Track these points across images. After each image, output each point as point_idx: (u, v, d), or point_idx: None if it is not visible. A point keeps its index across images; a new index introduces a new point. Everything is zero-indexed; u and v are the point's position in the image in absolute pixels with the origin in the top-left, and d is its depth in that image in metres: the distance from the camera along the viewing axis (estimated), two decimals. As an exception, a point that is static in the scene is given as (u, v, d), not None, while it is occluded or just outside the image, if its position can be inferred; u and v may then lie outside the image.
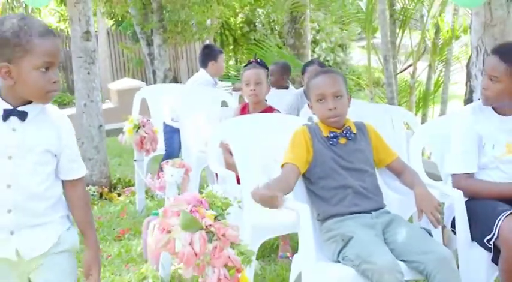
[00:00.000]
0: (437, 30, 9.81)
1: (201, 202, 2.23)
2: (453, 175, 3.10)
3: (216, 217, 2.20)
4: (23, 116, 1.99)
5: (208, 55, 5.76)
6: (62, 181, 2.15)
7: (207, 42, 11.72)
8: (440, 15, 9.73)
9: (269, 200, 2.53)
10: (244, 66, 4.21)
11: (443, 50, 9.95)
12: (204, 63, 5.73)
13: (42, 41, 1.95)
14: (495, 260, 2.77)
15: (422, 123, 6.70)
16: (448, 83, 10.18)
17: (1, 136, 1.98)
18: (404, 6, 9.70)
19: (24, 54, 1.92)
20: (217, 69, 5.78)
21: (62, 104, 12.31)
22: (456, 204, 2.90)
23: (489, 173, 3.04)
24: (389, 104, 7.60)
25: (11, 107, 1.99)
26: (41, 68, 1.95)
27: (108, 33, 14.05)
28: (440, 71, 10.55)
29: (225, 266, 2.12)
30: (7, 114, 1.98)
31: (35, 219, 2.05)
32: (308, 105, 3.07)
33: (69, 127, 2.15)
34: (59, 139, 2.08)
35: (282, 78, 6.06)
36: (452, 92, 9.89)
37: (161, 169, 3.66)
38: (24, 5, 10.07)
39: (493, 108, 3.07)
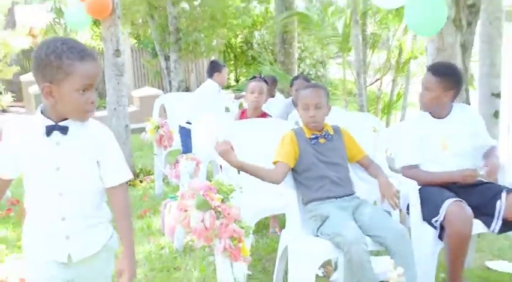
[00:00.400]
0: (400, 51, 9.90)
1: (211, 188, 2.30)
2: (402, 167, 3.19)
3: (222, 200, 2.28)
4: (64, 130, 1.80)
5: (214, 68, 5.79)
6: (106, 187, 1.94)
7: (213, 58, 11.78)
8: (402, 39, 9.82)
9: (224, 151, 2.68)
10: (250, 79, 4.22)
11: (404, 67, 10.05)
12: (210, 74, 5.77)
13: (82, 64, 1.75)
14: (440, 236, 2.83)
15: (386, 127, 6.79)
16: (408, 93, 10.30)
17: (47, 150, 1.81)
18: (374, 31, 9.83)
19: (65, 76, 1.73)
20: (221, 79, 5.81)
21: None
22: (410, 191, 2.96)
23: (430, 165, 3.13)
24: (360, 111, 7.69)
25: (53, 123, 1.81)
26: (80, 90, 1.76)
27: (132, 50, 14.03)
28: (402, 84, 10.65)
29: (230, 237, 2.21)
30: (50, 130, 1.80)
31: (86, 223, 1.90)
32: (298, 110, 3.15)
33: (107, 136, 1.93)
34: (99, 148, 1.88)
35: (270, 88, 6.15)
36: (411, 101, 9.99)
37: (177, 161, 3.72)
38: (64, 26, 10.06)
39: (431, 113, 3.18)
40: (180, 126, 5.33)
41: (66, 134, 1.82)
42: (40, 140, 1.81)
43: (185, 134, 5.21)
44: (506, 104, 6.76)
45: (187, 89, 12.21)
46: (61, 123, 1.82)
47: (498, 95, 5.83)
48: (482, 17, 6.18)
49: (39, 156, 1.82)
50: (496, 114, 5.70)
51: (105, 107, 6.32)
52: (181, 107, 5.53)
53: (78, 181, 1.86)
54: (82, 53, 1.77)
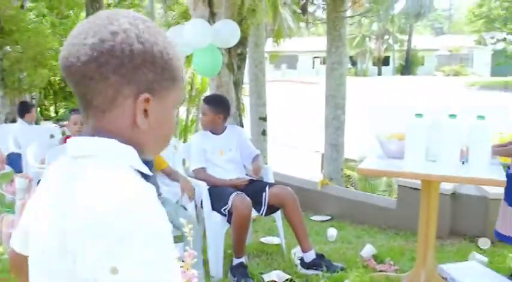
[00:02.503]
0: (192, 86, 10.96)
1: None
2: (193, 170, 3.84)
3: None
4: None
5: (24, 109, 6.30)
6: None
7: (34, 94, 12.40)
8: (192, 75, 10.88)
9: None
10: (71, 111, 4.54)
11: (195, 99, 11.11)
12: (21, 115, 6.21)
13: (182, 66, 0.96)
14: (229, 221, 3.50)
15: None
16: (198, 120, 11.42)
17: None
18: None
19: (172, 83, 0.90)
20: (31, 118, 6.32)
21: None
22: (202, 190, 3.64)
23: (215, 168, 3.84)
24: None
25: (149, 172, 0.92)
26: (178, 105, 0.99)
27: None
28: (194, 112, 11.71)
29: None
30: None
31: None
32: None
33: None
34: None
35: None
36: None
37: (12, 180, 3.96)
38: None
39: (211, 131, 3.92)
40: (11, 152, 5.54)
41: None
42: None
43: (15, 158, 5.46)
44: (271, 124, 8.08)
45: (14, 120, 12.40)
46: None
47: (264, 119, 7.15)
48: (249, 62, 7.45)
49: None
50: (263, 133, 7.00)
51: None
52: (10, 135, 5.82)
53: None
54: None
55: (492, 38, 32.86)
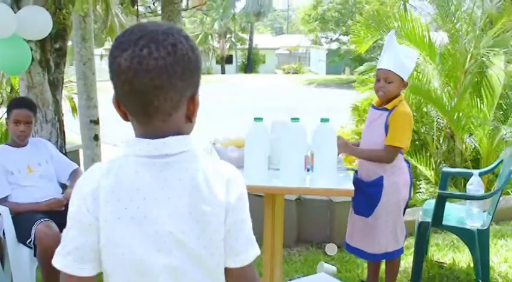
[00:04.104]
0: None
1: None
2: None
3: None
4: None
5: None
6: None
7: None
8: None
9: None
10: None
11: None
12: None
13: None
14: (35, 254, 2.92)
15: None
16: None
17: None
18: None
19: (200, 80, 1.09)
20: None
21: None
22: (4, 218, 2.99)
23: (24, 191, 3.14)
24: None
25: None
26: None
27: None
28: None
29: None
30: None
31: None
32: None
33: None
34: None
35: None
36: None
37: None
38: None
39: (10, 144, 3.24)
40: None
41: None
42: None
43: None
44: (105, 128, 7.35)
45: None
46: None
47: (96, 122, 6.39)
48: (76, 58, 6.64)
49: None
50: (95, 137, 6.24)
51: None
52: None
53: None
54: None
55: (326, 38, 35.14)
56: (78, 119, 6.93)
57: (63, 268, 1.06)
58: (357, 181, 2.93)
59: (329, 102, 18.49)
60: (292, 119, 2.59)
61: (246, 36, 43.49)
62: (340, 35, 33.16)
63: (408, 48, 3.23)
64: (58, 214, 3.08)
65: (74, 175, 3.43)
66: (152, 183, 1.03)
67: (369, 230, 2.90)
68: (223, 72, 40.87)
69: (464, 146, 6.24)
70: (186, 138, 1.07)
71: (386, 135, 2.79)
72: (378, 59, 7.05)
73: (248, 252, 1.11)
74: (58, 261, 1.07)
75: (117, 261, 1.04)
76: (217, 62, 42.37)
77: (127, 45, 0.99)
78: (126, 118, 1.07)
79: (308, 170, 2.66)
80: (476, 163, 6.27)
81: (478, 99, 6.14)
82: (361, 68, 8.03)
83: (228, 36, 41.96)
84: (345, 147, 2.84)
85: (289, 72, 38.90)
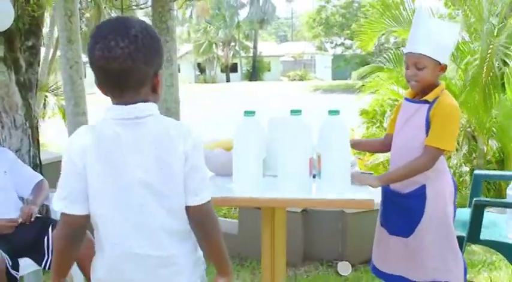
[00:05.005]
0: None
1: None
2: None
3: None
4: None
5: None
6: None
7: None
8: None
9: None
10: None
11: None
12: None
13: None
14: None
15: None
16: None
17: None
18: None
19: (162, 61, 1.42)
20: None
21: None
22: None
23: None
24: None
25: None
26: None
27: None
28: None
29: None
30: None
31: None
32: None
33: None
34: None
35: None
36: None
37: None
38: None
39: None
40: None
41: None
42: None
43: None
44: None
45: None
46: None
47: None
48: (63, 62, 6.12)
49: None
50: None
51: None
52: None
53: None
54: None
55: (331, 43, 34.65)
56: (68, 127, 6.42)
57: (62, 209, 1.34)
58: (388, 193, 2.36)
59: (335, 107, 17.90)
60: (293, 111, 2.03)
61: (250, 44, 43.08)
62: (345, 39, 32.63)
63: (444, 22, 2.63)
64: (11, 234, 2.64)
65: (37, 188, 2.91)
66: (126, 139, 1.31)
67: (411, 253, 2.29)
68: (228, 80, 40.42)
69: (486, 147, 5.64)
70: (152, 104, 1.36)
71: (427, 133, 2.20)
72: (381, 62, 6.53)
73: (203, 192, 1.37)
74: (57, 205, 1.36)
75: (100, 200, 1.33)
76: (222, 71, 41.95)
77: (99, 39, 1.27)
78: (106, 94, 1.34)
79: (314, 177, 2.10)
80: (500, 165, 5.69)
81: (501, 95, 5.55)
82: (361, 70, 7.39)
83: (232, 44, 41.57)
84: (375, 179, 2.18)
85: (294, 79, 38.38)
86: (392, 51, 6.31)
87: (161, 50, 1.37)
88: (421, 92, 2.27)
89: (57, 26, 6.13)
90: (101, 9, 7.79)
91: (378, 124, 7.39)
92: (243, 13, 42.16)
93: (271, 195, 1.97)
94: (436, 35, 2.18)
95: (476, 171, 3.15)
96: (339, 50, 33.59)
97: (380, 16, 6.07)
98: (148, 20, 5.93)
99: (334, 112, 2.04)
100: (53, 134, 10.28)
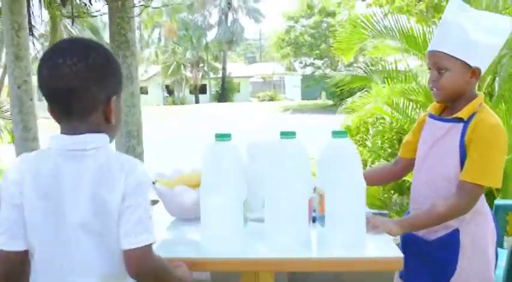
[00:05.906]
0: None
1: None
2: None
3: None
4: None
5: None
6: None
7: None
8: None
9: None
10: None
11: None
12: None
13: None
14: None
15: None
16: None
17: None
18: None
19: (120, 85, 1.29)
20: None
21: None
22: None
23: None
24: None
25: None
26: None
27: None
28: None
29: None
30: None
31: None
32: None
33: None
34: None
35: None
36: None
37: None
38: None
39: None
40: None
41: None
42: None
43: None
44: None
45: None
46: None
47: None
48: (10, 80, 5.44)
49: None
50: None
51: None
52: None
53: None
54: None
55: (301, 62, 34.49)
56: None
57: (1, 246, 1.22)
58: (408, 239, 1.79)
59: (307, 126, 17.49)
60: (283, 133, 1.45)
61: (219, 65, 42.69)
62: (314, 59, 32.51)
63: (486, 13, 2.05)
64: None
65: None
66: (65, 172, 1.20)
67: None
68: (197, 101, 39.81)
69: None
70: (102, 136, 1.23)
71: (462, 164, 1.65)
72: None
73: (139, 235, 1.19)
74: None
75: (36, 237, 1.21)
76: (191, 92, 41.34)
77: (48, 58, 1.18)
78: (57, 120, 1.22)
79: (314, 221, 1.53)
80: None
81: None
82: (334, 78, 6.55)
83: (200, 65, 41.10)
84: (395, 224, 1.62)
85: (264, 100, 38.06)
86: (381, 64, 5.78)
87: (118, 73, 1.25)
88: (451, 106, 1.72)
89: (3, 41, 5.48)
90: (56, 23, 7.13)
91: (361, 142, 6.87)
92: (211, 34, 41.83)
93: (255, 255, 1.37)
94: (469, 27, 1.63)
95: (497, 202, 2.59)
96: (308, 70, 33.42)
97: (354, 29, 5.55)
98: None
99: (340, 133, 1.47)
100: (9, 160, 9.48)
